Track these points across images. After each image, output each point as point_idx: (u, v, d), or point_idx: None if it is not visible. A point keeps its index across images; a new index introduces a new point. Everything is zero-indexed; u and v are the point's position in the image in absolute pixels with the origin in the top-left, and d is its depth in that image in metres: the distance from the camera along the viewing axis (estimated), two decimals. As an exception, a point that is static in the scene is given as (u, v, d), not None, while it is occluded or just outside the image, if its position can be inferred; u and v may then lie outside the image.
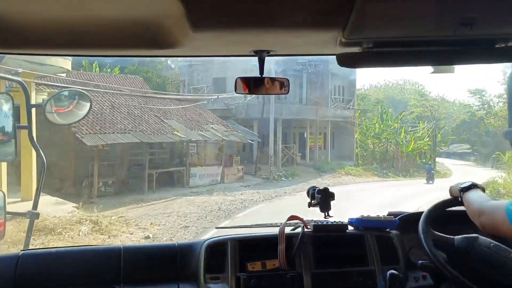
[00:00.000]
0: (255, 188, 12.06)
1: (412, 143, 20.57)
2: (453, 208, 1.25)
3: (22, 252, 1.20)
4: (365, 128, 20.77)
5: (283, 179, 14.30)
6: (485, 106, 27.98)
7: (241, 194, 10.75)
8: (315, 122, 17.43)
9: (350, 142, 19.37)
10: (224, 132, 13.46)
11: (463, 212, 1.31)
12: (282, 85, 1.06)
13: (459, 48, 0.91)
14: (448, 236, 1.16)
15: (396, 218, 1.37)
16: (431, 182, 14.69)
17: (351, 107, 19.92)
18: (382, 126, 20.93)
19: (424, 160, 21.24)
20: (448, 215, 1.31)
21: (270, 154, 14.84)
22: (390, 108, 23.03)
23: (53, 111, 1.50)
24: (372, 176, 17.38)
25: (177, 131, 11.73)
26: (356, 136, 19.95)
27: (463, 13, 0.76)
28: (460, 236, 1.13)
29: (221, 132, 13.34)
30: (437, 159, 23.18)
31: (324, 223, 1.32)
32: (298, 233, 1.26)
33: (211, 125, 13.46)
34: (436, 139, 21.99)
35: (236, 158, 13.99)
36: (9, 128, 1.35)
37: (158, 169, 11.18)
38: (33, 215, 1.43)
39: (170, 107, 12.95)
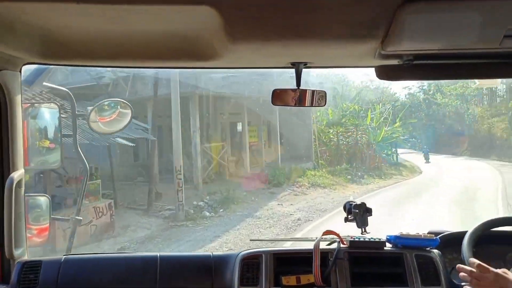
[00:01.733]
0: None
1: (383, 130, 25.92)
2: (499, 228, 2.27)
3: (65, 257, 2.33)
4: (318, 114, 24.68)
5: (208, 214, 13.48)
6: (426, 88, 41.79)
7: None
8: (257, 103, 18.40)
9: (305, 133, 22.49)
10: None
11: (510, 232, 2.40)
12: (320, 97, 2.16)
13: (505, 61, 1.65)
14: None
15: (437, 236, 2.36)
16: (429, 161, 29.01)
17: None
18: (337, 110, 25.50)
19: (389, 153, 27.51)
20: (493, 235, 2.37)
21: (177, 166, 13.83)
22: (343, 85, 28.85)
23: (97, 120, 2.69)
24: (346, 183, 20.22)
25: None
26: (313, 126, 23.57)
27: (509, 24, 1.30)
28: None
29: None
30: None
31: (361, 239, 2.42)
32: (333, 249, 2.34)
33: None
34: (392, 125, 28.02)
35: (93, 183, 11.93)
36: (56, 136, 2.52)
37: None
38: (75, 221, 2.65)
39: None
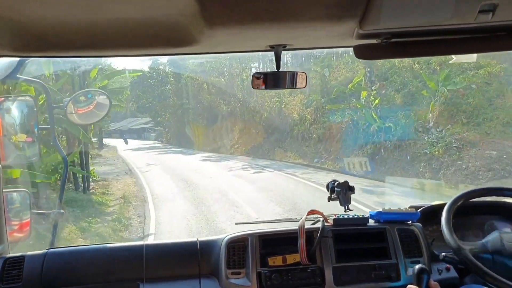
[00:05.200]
0: None
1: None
2: (477, 199, 2.38)
3: (48, 250, 2.32)
4: None
5: None
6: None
7: None
8: None
9: None
10: None
11: (487, 202, 2.56)
12: (300, 78, 2.21)
13: (481, 36, 1.69)
14: (477, 242, 2.19)
15: (418, 210, 2.53)
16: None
17: None
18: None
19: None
20: (472, 206, 2.50)
21: None
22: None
23: (74, 111, 2.63)
24: None
25: None
26: None
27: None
28: (487, 240, 2.17)
29: None
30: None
31: (345, 216, 2.53)
32: (318, 228, 2.42)
33: None
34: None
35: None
36: (32, 130, 2.46)
37: None
38: (57, 214, 2.61)
39: None
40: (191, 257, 2.44)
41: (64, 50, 2.14)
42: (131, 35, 1.91)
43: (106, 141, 35.33)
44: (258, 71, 2.24)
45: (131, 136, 43.23)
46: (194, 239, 2.52)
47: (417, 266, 2.10)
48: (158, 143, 30.30)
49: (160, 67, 33.61)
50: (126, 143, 25.58)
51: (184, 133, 32.98)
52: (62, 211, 2.70)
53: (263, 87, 2.25)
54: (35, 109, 2.46)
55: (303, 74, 2.27)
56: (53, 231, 2.79)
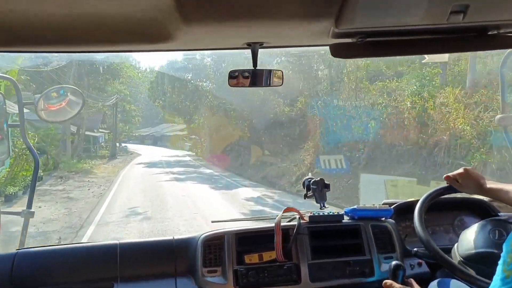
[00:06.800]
0: None
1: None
2: (448, 196, 2.41)
3: (18, 251, 2.27)
4: None
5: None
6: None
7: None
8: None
9: None
10: None
11: (458, 198, 2.63)
12: (277, 76, 2.22)
13: (452, 36, 1.75)
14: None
15: (391, 207, 2.61)
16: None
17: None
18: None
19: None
20: (443, 202, 2.53)
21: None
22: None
23: (45, 108, 2.52)
24: None
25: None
26: None
27: (455, 0, 1.39)
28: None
29: None
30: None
31: (320, 213, 2.56)
32: (294, 225, 2.44)
33: None
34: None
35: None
36: (1, 126, 2.37)
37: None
38: (27, 214, 2.52)
39: None
40: (167, 255, 2.41)
41: (35, 44, 2.07)
42: (105, 30, 1.86)
43: (133, 147, 32.73)
44: (234, 69, 2.22)
45: (163, 144, 41.99)
46: (170, 237, 2.49)
47: (393, 263, 2.13)
48: (189, 156, 23.72)
49: (197, 56, 25.90)
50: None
51: (220, 145, 24.04)
52: (32, 210, 2.62)
53: (240, 85, 2.23)
54: (4, 106, 2.39)
55: (280, 72, 2.26)
56: (23, 231, 2.72)
